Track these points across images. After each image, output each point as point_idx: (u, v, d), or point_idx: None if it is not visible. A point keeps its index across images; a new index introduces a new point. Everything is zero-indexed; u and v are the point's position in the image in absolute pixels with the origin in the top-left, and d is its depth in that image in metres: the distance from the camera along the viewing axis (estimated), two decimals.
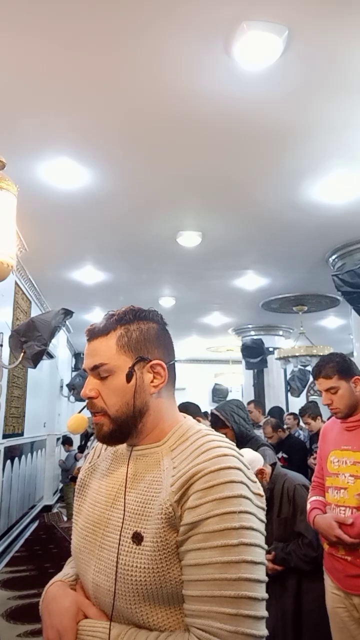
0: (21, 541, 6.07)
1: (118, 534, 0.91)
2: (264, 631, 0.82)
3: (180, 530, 0.85)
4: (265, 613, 0.83)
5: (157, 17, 2.25)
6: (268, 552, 2.02)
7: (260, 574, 0.84)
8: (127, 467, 0.98)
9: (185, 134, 3.18)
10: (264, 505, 0.92)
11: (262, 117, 3.00)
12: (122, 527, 0.91)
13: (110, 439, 0.99)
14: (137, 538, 0.88)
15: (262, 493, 0.93)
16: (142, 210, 4.36)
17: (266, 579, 0.85)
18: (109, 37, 2.37)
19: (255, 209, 4.34)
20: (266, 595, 0.84)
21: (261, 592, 0.83)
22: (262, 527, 0.89)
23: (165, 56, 2.50)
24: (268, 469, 2.31)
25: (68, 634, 0.88)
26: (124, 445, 1.03)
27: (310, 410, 5.09)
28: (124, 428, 0.97)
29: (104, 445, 1.09)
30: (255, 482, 0.92)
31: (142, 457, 0.98)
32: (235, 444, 0.97)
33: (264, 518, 0.90)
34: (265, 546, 0.88)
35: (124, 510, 0.93)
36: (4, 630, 3.58)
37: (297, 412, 6.37)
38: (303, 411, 5.20)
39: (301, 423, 6.09)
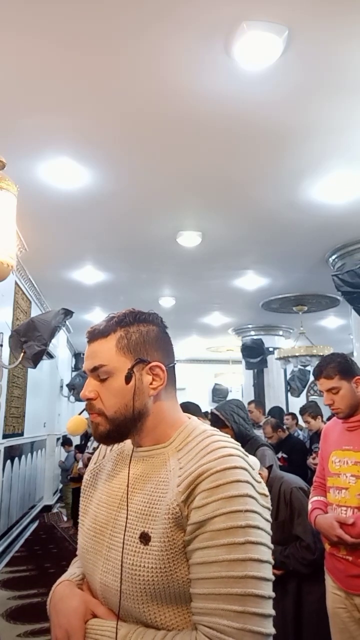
0: (21, 541, 6.07)
1: (127, 534, 0.91)
2: (270, 629, 0.83)
3: (187, 529, 0.86)
4: (272, 611, 0.84)
5: (157, 17, 2.25)
6: None
7: (267, 572, 0.85)
8: (129, 468, 0.99)
9: (185, 134, 3.18)
10: (269, 505, 0.93)
11: (262, 117, 3.00)
12: (125, 528, 0.92)
13: (107, 439, 0.99)
14: (145, 538, 0.88)
15: (267, 493, 0.94)
16: (142, 210, 4.36)
17: (272, 577, 0.86)
18: (109, 37, 2.37)
19: (255, 209, 4.34)
20: (273, 594, 0.85)
21: (268, 590, 0.84)
22: (267, 526, 0.89)
23: (165, 56, 2.50)
24: (265, 472, 2.30)
25: (76, 633, 0.88)
26: (130, 446, 1.04)
27: (310, 409, 5.08)
28: (121, 429, 0.97)
29: (109, 446, 1.10)
30: (260, 482, 0.93)
31: (149, 458, 0.99)
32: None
33: (269, 518, 0.91)
34: (272, 545, 0.88)
35: (127, 511, 0.93)
36: (4, 630, 3.58)
37: (296, 412, 6.36)
38: (303, 410, 5.19)
39: (300, 422, 6.09)
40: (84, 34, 2.36)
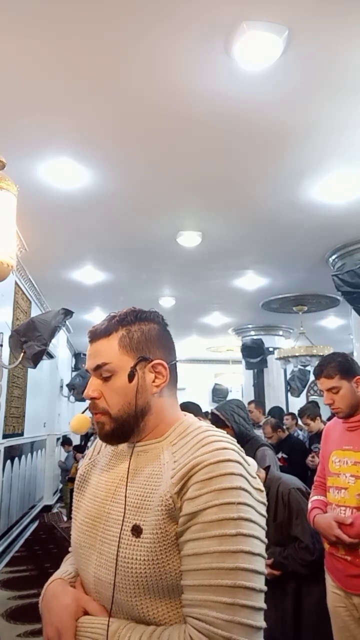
0: (21, 541, 6.06)
1: (119, 528, 0.92)
2: (261, 622, 0.82)
3: (180, 521, 0.86)
4: (263, 604, 0.83)
5: (157, 17, 2.25)
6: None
7: (259, 565, 0.84)
8: (129, 463, 0.99)
9: (185, 134, 3.18)
10: (264, 500, 0.92)
11: (262, 117, 3.00)
12: (123, 520, 0.92)
13: (112, 438, 1.00)
14: (137, 530, 0.89)
15: (262, 488, 0.94)
16: (142, 210, 4.36)
17: (265, 571, 0.85)
18: (109, 37, 2.37)
19: (255, 209, 4.34)
20: (264, 588, 0.84)
21: (259, 583, 0.83)
22: (262, 521, 0.89)
23: (165, 56, 2.50)
24: (262, 474, 2.29)
25: (67, 631, 0.88)
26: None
27: (309, 411, 5.08)
28: (125, 427, 0.98)
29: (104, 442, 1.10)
30: (255, 477, 0.93)
31: (143, 452, 0.99)
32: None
33: (264, 513, 0.91)
34: (266, 540, 0.88)
35: (125, 503, 0.93)
36: (4, 630, 3.58)
37: (296, 412, 6.36)
38: (302, 412, 5.18)
39: (300, 423, 6.08)
40: (84, 34, 2.36)
